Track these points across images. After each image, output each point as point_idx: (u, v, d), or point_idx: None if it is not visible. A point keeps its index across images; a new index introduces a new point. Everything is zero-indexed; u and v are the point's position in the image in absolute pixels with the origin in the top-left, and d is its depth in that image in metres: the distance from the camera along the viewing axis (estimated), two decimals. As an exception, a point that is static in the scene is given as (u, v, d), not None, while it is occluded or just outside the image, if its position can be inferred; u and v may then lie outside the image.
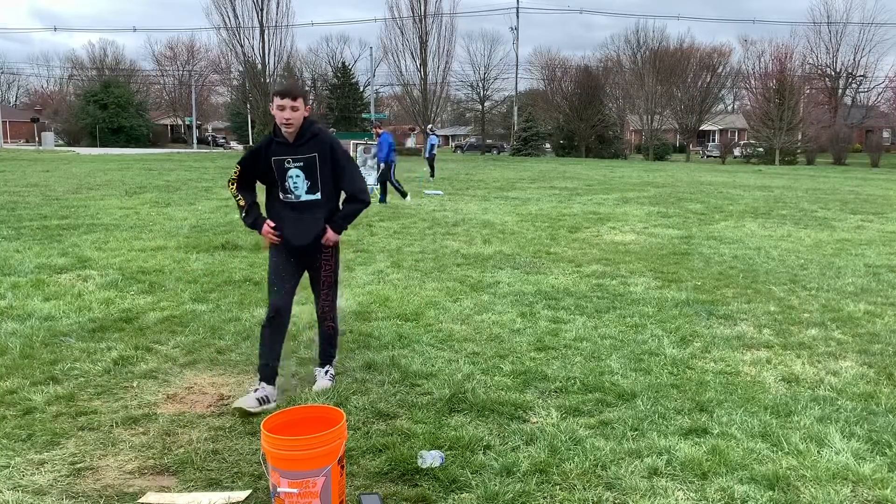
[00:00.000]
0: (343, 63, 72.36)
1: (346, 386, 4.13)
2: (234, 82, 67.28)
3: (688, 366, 4.56)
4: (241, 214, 3.97)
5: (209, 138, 75.38)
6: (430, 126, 29.41)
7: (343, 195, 4.02)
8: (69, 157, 37.65)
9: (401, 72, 58.44)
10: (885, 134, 57.52)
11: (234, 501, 2.88)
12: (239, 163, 3.96)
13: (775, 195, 18.52)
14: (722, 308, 6.06)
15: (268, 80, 56.61)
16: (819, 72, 58.99)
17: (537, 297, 6.35)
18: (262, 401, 3.79)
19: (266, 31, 54.54)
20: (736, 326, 5.51)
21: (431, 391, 4.06)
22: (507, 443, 3.42)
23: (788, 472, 3.13)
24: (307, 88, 73.47)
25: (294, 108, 3.77)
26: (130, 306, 5.87)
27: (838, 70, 58.77)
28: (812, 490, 2.97)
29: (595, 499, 2.91)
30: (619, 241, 9.95)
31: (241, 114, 69.17)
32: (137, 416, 3.71)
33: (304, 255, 3.98)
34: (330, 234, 3.94)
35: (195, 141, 67.38)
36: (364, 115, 58.22)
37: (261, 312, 5.74)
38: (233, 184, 3.97)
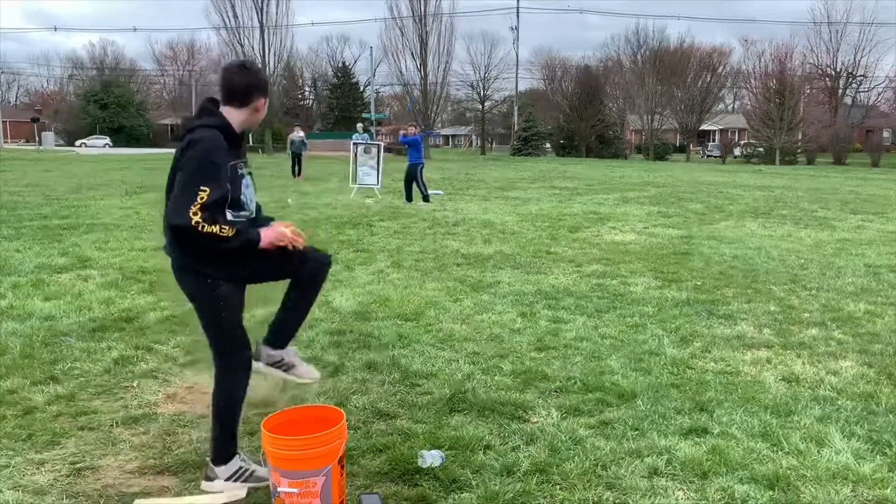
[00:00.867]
0: (343, 63, 72.47)
1: (347, 386, 4.13)
2: (235, 82, 67.11)
3: (688, 366, 4.56)
4: (231, 244, 2.78)
5: (209, 138, 75.20)
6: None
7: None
8: (69, 156, 37.64)
9: (401, 72, 58.41)
10: (886, 134, 57.52)
11: (233, 501, 2.88)
12: (206, 185, 2.68)
13: (775, 195, 18.52)
14: (722, 308, 6.06)
15: (268, 81, 56.51)
16: (819, 72, 58.98)
17: (537, 297, 6.35)
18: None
19: (266, 31, 54.50)
20: (736, 326, 5.51)
21: (431, 391, 4.06)
22: (507, 443, 3.42)
23: (788, 471, 3.13)
24: (307, 88, 73.51)
25: None
26: (131, 306, 5.87)
27: (838, 70, 58.79)
28: (812, 490, 2.97)
29: (595, 499, 2.91)
30: (619, 240, 9.95)
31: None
32: (138, 415, 3.71)
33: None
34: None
35: (195, 141, 67.29)
36: (364, 115, 58.19)
37: (260, 312, 5.74)
38: (203, 215, 2.67)
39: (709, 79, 60.61)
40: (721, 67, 61.41)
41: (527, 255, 8.62)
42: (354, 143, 17.59)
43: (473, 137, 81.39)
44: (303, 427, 2.86)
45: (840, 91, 59.51)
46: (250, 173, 3.03)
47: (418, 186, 14.79)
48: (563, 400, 3.96)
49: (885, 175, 32.62)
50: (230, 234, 2.74)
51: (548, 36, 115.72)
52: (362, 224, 11.00)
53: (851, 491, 2.99)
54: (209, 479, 2.97)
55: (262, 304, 6.04)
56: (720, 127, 68.05)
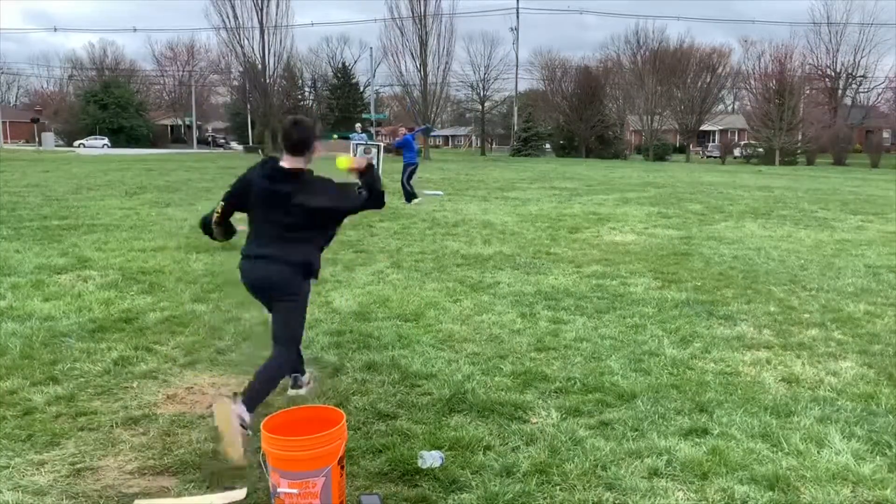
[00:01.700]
0: (343, 63, 72.40)
1: (347, 386, 4.13)
2: (234, 82, 67.22)
3: (688, 366, 4.56)
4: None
5: (209, 139, 75.40)
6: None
7: None
8: (69, 157, 37.65)
9: (401, 72, 58.42)
10: (886, 134, 57.48)
11: (233, 501, 2.88)
12: None
13: (775, 195, 18.52)
14: (722, 308, 6.06)
15: (268, 81, 56.59)
16: (819, 72, 58.96)
17: (537, 298, 6.35)
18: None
19: (266, 32, 54.50)
20: (736, 327, 5.51)
21: (431, 391, 4.06)
22: (507, 443, 3.42)
23: (788, 472, 3.13)
24: (307, 89, 73.50)
25: None
26: (130, 307, 5.87)
27: (838, 70, 58.77)
28: (812, 490, 2.97)
29: (595, 499, 2.91)
30: (619, 241, 9.95)
31: (241, 114, 69.13)
32: (137, 416, 3.71)
33: None
34: None
35: (195, 141, 67.37)
36: (364, 116, 58.19)
37: (260, 313, 5.74)
38: None
39: (708, 79, 60.57)
40: (721, 68, 61.38)
41: (527, 255, 8.62)
42: (355, 144, 17.60)
43: (473, 138, 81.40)
44: (303, 428, 2.86)
45: (840, 92, 59.48)
46: None
47: (402, 184, 14.85)
48: (562, 400, 3.96)
49: (885, 176, 32.62)
50: None
51: (547, 36, 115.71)
52: (362, 224, 10.99)
53: (851, 492, 2.99)
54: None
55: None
56: (720, 127, 68.05)
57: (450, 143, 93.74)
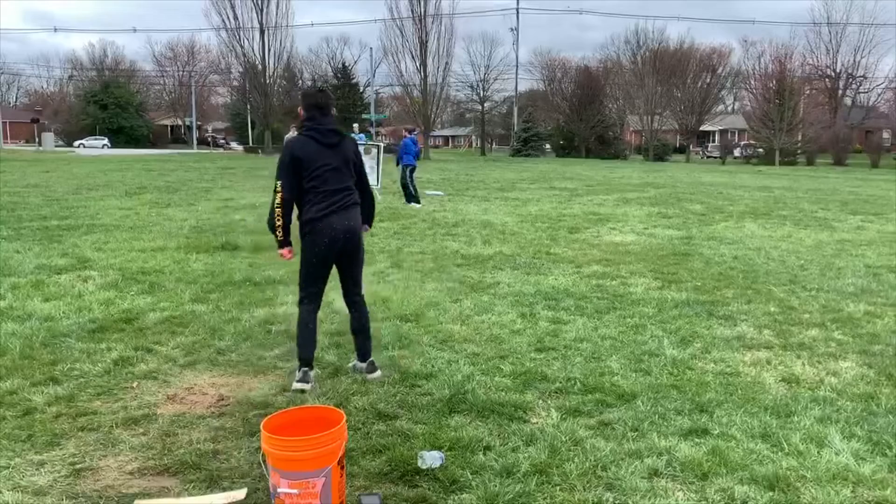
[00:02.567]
0: (343, 64, 72.38)
1: (347, 386, 4.13)
2: (234, 83, 67.19)
3: (688, 366, 4.56)
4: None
5: (209, 139, 75.41)
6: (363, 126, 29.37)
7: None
8: (69, 157, 37.65)
9: (401, 72, 58.41)
10: (886, 135, 57.47)
11: (233, 501, 2.88)
12: None
13: (775, 196, 18.52)
14: (722, 309, 6.06)
15: (268, 81, 56.58)
16: (819, 72, 58.96)
17: (537, 298, 6.35)
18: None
19: (266, 32, 54.49)
20: (736, 327, 5.51)
21: (431, 392, 4.06)
22: (507, 443, 3.41)
23: (788, 472, 3.12)
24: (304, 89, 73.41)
25: None
26: (130, 307, 5.87)
27: (838, 71, 58.76)
28: (812, 491, 2.97)
29: (595, 499, 2.91)
30: (619, 241, 9.95)
31: (241, 114, 69.15)
32: (137, 416, 3.71)
33: None
34: None
35: (195, 141, 67.37)
36: (364, 116, 58.15)
37: (260, 313, 5.75)
38: None
39: (708, 79, 60.61)
40: (721, 68, 61.45)
41: (526, 255, 8.62)
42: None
43: (473, 138, 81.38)
44: (303, 428, 2.86)
45: (840, 92, 59.48)
46: None
47: (406, 185, 14.88)
48: (562, 400, 3.96)
49: (885, 176, 32.62)
50: None
51: (547, 37, 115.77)
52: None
53: (851, 492, 2.99)
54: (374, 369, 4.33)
55: (262, 305, 6.06)
56: (720, 128, 68.06)
57: (450, 144, 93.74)
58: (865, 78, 59.31)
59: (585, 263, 8.11)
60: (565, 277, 7.31)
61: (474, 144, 79.78)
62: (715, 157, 57.23)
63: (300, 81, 70.25)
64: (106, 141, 61.81)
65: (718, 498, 2.93)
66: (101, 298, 6.10)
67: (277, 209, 4.05)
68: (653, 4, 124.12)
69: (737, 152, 56.11)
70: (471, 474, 3.08)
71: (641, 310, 5.98)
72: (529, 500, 2.90)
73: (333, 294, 6.33)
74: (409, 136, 15.95)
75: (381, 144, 18.51)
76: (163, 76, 76.18)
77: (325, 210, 4.06)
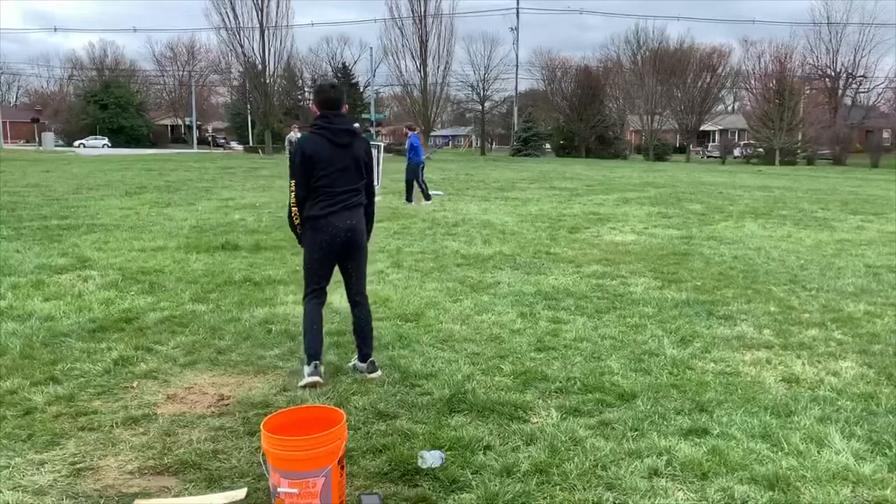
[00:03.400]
0: (343, 63, 72.42)
1: (347, 386, 4.13)
2: (234, 83, 67.23)
3: (688, 366, 4.56)
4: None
5: (209, 138, 75.42)
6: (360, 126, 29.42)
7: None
8: (69, 157, 37.65)
9: (401, 72, 58.42)
10: (886, 134, 57.48)
11: (233, 501, 2.88)
12: None
13: (775, 196, 18.53)
14: (722, 308, 6.06)
15: (268, 81, 56.59)
16: (819, 72, 58.96)
17: (537, 298, 6.35)
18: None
19: (266, 32, 54.49)
20: (736, 327, 5.51)
21: (431, 391, 4.06)
22: (507, 443, 3.42)
23: (788, 472, 3.13)
24: (306, 89, 73.43)
25: None
26: (130, 306, 5.87)
27: (838, 70, 58.77)
28: (812, 490, 2.97)
29: (595, 499, 2.91)
30: (619, 241, 9.95)
31: (241, 114, 69.12)
32: (137, 416, 3.71)
33: None
34: None
35: (195, 141, 67.38)
36: (364, 116, 58.16)
37: (260, 312, 5.74)
38: None
39: (709, 79, 60.58)
40: (721, 68, 61.41)
41: (527, 255, 8.62)
42: None
43: (473, 138, 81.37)
44: (303, 427, 2.86)
45: (840, 92, 59.48)
46: None
47: (419, 184, 15.01)
48: (562, 400, 3.96)
49: (885, 175, 32.62)
50: None
51: (547, 36, 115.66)
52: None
53: (851, 491, 2.99)
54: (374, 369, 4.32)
55: (261, 305, 6.06)
56: (720, 127, 68.06)
57: (450, 143, 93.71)
58: (865, 78, 59.35)
59: (585, 263, 8.11)
60: (565, 277, 7.31)
61: (474, 144, 79.77)
62: (715, 157, 57.23)
63: (300, 81, 70.29)
64: (106, 141, 61.84)
65: (718, 497, 2.93)
66: (101, 298, 6.10)
67: (294, 208, 4.12)
68: (653, 4, 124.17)
69: (737, 152, 56.11)
70: (471, 474, 3.09)
71: (641, 309, 5.98)
72: (529, 500, 2.90)
73: (333, 294, 6.34)
74: (413, 133, 15.98)
75: (381, 144, 18.50)
76: (163, 76, 76.21)
77: (327, 208, 4.06)
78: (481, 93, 67.67)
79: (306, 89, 73.26)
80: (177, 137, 76.22)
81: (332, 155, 4.06)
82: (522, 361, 4.61)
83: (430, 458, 3.14)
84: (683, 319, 5.68)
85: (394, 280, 7.06)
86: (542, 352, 4.82)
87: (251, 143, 60.25)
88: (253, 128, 64.65)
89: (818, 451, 3.33)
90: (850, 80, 59.42)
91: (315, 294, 4.23)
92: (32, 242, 8.95)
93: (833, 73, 58.96)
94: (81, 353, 4.66)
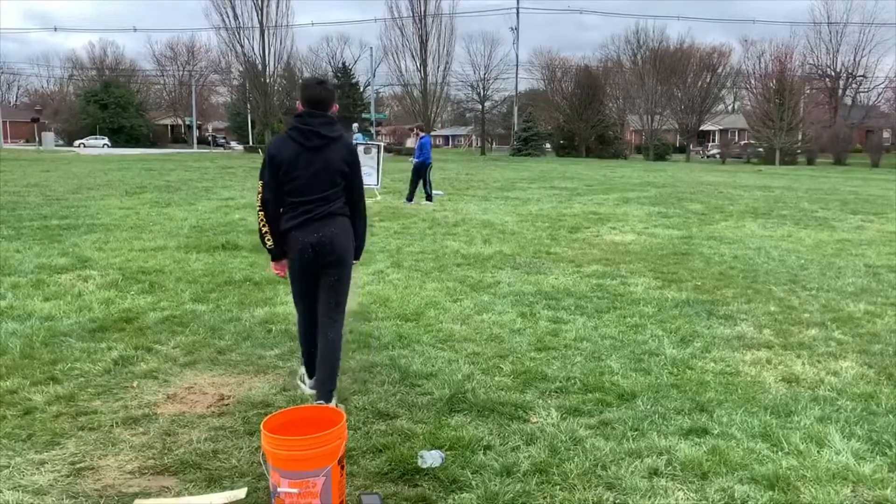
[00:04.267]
0: (343, 63, 72.45)
1: (347, 386, 4.13)
2: (234, 82, 67.29)
3: (688, 366, 4.56)
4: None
5: (209, 138, 75.43)
6: (354, 125, 29.54)
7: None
8: (69, 157, 37.65)
9: (401, 72, 58.47)
10: (886, 134, 57.47)
11: (233, 501, 2.89)
12: None
13: (775, 195, 18.52)
14: (722, 308, 6.06)
15: (268, 81, 56.62)
16: (819, 72, 58.97)
17: (537, 298, 6.35)
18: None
19: (266, 32, 54.54)
20: (736, 326, 5.51)
21: (431, 391, 4.06)
22: (507, 443, 3.42)
23: (788, 472, 3.13)
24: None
25: None
26: (131, 306, 5.87)
27: (838, 70, 58.78)
28: (812, 490, 2.97)
29: (595, 499, 2.91)
30: (619, 241, 9.95)
31: (241, 114, 69.16)
32: (138, 416, 3.71)
33: None
34: None
35: (195, 141, 67.40)
36: (364, 116, 58.23)
37: (260, 312, 5.75)
38: None
39: (709, 79, 60.62)
40: (721, 68, 61.46)
41: (527, 255, 8.62)
42: (354, 144, 17.60)
43: (473, 138, 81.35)
44: (303, 427, 2.86)
45: (840, 91, 59.49)
46: None
47: (423, 185, 15.02)
48: (563, 400, 3.96)
49: (885, 175, 32.62)
50: None
51: (547, 36, 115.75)
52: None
53: (851, 491, 2.99)
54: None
55: (261, 304, 6.06)
56: (720, 127, 68.07)
57: (450, 143, 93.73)
58: (865, 77, 59.36)
59: (585, 263, 8.11)
60: (565, 277, 7.31)
61: (474, 144, 79.76)
62: (715, 157, 57.23)
63: (300, 81, 70.28)
64: (106, 140, 61.85)
65: (718, 497, 2.93)
66: (101, 298, 6.10)
67: (260, 212, 3.72)
68: (653, 4, 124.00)
69: (737, 152, 56.11)
70: (471, 474, 3.09)
71: (641, 309, 5.98)
72: (529, 500, 2.90)
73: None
74: (426, 135, 16.00)
75: (382, 144, 18.50)
76: (163, 76, 76.23)
77: (291, 220, 3.67)
78: (481, 93, 67.69)
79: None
80: (177, 137, 76.21)
81: (297, 158, 3.61)
82: (522, 361, 4.61)
83: (430, 458, 3.14)
84: (683, 319, 5.68)
85: (394, 280, 7.06)
86: (542, 351, 4.82)
87: (251, 143, 60.27)
88: (253, 128, 64.68)
89: (818, 451, 3.33)
90: (851, 79, 59.46)
91: (302, 313, 3.91)
92: (32, 242, 8.95)
93: (833, 73, 58.98)
94: (81, 353, 4.66)
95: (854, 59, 58.14)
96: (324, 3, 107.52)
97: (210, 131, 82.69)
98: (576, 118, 57.61)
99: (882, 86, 60.02)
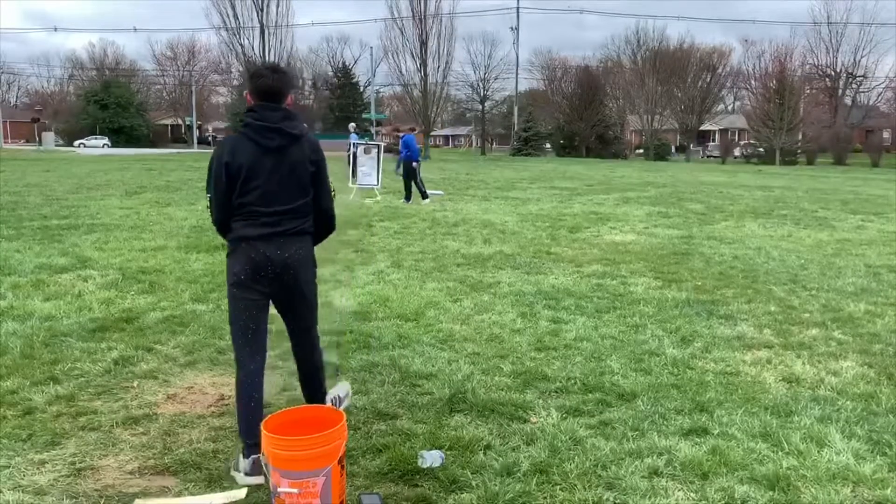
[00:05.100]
0: (343, 63, 72.43)
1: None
2: (234, 82, 67.29)
3: (688, 366, 4.56)
4: None
5: (209, 138, 75.41)
6: (351, 125, 29.59)
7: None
8: (69, 157, 37.65)
9: (401, 72, 58.49)
10: (886, 134, 57.49)
11: (233, 501, 2.88)
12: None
13: (776, 195, 18.52)
14: (722, 308, 6.06)
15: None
16: (819, 72, 58.97)
17: (537, 297, 6.35)
18: None
19: (266, 32, 54.59)
20: (736, 326, 5.51)
21: (432, 391, 4.06)
22: (507, 443, 3.42)
23: (789, 472, 3.12)
24: (307, 88, 73.36)
25: None
26: (131, 306, 5.87)
27: (838, 70, 58.77)
28: (812, 490, 2.97)
29: (595, 499, 2.91)
30: (619, 241, 9.95)
31: (241, 114, 69.06)
32: (138, 416, 3.71)
33: None
34: None
35: (195, 141, 67.39)
36: (364, 116, 58.20)
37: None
38: None
39: (709, 79, 60.65)
40: (721, 67, 61.46)
41: (527, 255, 8.62)
42: (353, 144, 17.62)
43: (473, 138, 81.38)
44: (302, 427, 2.85)
45: (840, 91, 59.49)
46: None
47: (416, 184, 15.01)
48: (563, 400, 3.96)
49: (886, 175, 32.62)
50: None
51: (547, 36, 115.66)
52: (362, 224, 11.00)
53: (851, 491, 2.99)
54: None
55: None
56: (720, 127, 68.06)
57: (450, 143, 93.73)
58: (865, 77, 59.36)
59: (586, 263, 8.11)
60: (565, 277, 7.31)
61: (474, 144, 79.77)
62: (715, 157, 57.23)
63: (301, 80, 70.28)
64: (106, 140, 61.84)
65: (718, 497, 2.93)
66: (101, 298, 6.10)
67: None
68: (653, 4, 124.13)
69: (737, 152, 56.12)
70: (471, 474, 3.09)
71: (642, 309, 5.98)
72: (530, 500, 2.90)
73: (333, 293, 6.36)
74: (410, 133, 16.06)
75: (382, 144, 18.50)
76: (163, 76, 76.23)
77: (253, 230, 3.04)
78: (481, 92, 67.71)
79: (307, 89, 73.33)
80: (177, 137, 76.20)
81: (257, 162, 3.00)
82: (522, 361, 4.61)
83: (431, 458, 3.14)
84: (684, 319, 5.68)
85: (394, 280, 7.06)
86: (542, 351, 4.82)
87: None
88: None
89: (818, 451, 3.33)
90: (851, 79, 59.45)
91: (245, 359, 3.15)
92: (32, 242, 8.95)
93: (833, 73, 58.99)
94: (82, 353, 4.66)
95: (854, 59, 58.20)
96: (324, 3, 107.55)
97: (210, 131, 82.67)
98: (576, 118, 57.60)
99: (882, 86, 60.10)
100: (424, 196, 15.02)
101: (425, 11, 55.97)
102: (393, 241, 9.54)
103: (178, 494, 2.95)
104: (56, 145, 58.91)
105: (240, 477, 3.02)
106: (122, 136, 64.54)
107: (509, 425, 3.61)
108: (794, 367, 4.56)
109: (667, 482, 3.05)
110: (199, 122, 73.37)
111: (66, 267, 7.42)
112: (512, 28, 61.05)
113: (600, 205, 15.10)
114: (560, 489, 2.98)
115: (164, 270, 7.32)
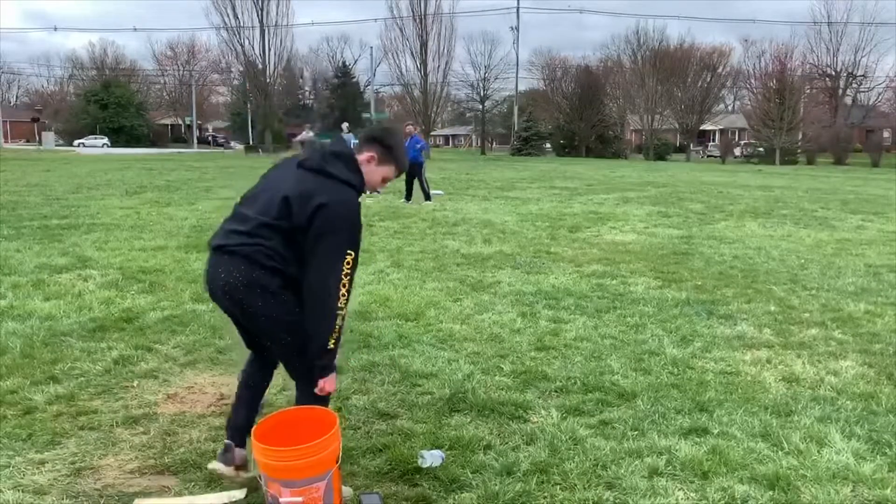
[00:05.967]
0: (343, 63, 72.50)
1: (347, 386, 4.13)
2: (235, 82, 67.35)
3: (688, 366, 4.56)
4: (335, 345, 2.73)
5: (209, 138, 75.43)
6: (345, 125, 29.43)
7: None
8: (69, 156, 37.64)
9: (401, 72, 58.50)
10: (886, 134, 57.47)
11: (233, 501, 2.88)
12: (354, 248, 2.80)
13: (776, 195, 18.52)
14: (722, 308, 6.06)
15: (268, 80, 56.60)
16: (819, 72, 58.96)
17: (537, 297, 6.35)
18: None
19: (266, 31, 54.56)
20: (736, 326, 5.51)
21: (432, 391, 4.06)
22: (507, 442, 3.42)
23: (789, 471, 3.13)
24: (307, 88, 73.33)
25: None
26: (131, 306, 5.87)
27: (838, 70, 58.76)
28: (812, 490, 2.97)
29: (595, 499, 2.91)
30: (619, 240, 9.95)
31: (242, 114, 69.15)
32: (138, 415, 3.71)
33: None
34: None
35: (195, 141, 67.39)
36: (364, 115, 58.21)
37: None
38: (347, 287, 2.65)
39: (709, 79, 60.60)
40: (721, 67, 61.43)
41: (527, 254, 8.62)
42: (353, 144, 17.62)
43: (473, 137, 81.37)
44: (292, 429, 2.78)
45: (840, 91, 59.48)
46: None
47: (420, 184, 14.98)
48: (563, 400, 3.96)
49: (886, 175, 32.61)
50: None
51: (547, 36, 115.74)
52: (362, 224, 10.99)
53: (851, 491, 2.99)
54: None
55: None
56: (720, 127, 68.05)
57: (450, 143, 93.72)
58: (866, 77, 59.36)
59: (586, 262, 8.11)
60: (565, 276, 7.31)
61: (474, 144, 79.75)
62: (715, 157, 57.22)
63: (300, 80, 70.32)
64: (106, 140, 61.86)
65: (718, 497, 2.93)
66: (101, 297, 6.10)
67: (343, 297, 2.68)
68: (653, 4, 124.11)
69: (737, 151, 56.11)
70: (471, 473, 3.09)
71: (642, 309, 5.98)
72: (530, 499, 2.90)
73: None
74: (416, 133, 15.94)
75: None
76: (163, 75, 76.24)
77: (212, 239, 2.87)
78: (481, 92, 67.67)
79: (307, 89, 73.35)
80: (177, 137, 76.20)
81: (273, 169, 2.99)
82: (522, 361, 4.61)
83: (431, 458, 3.14)
84: (684, 319, 5.68)
85: (394, 280, 7.06)
86: (542, 351, 4.82)
87: (252, 143, 60.27)
88: (253, 128, 64.68)
89: (818, 451, 3.33)
90: (851, 79, 59.44)
91: (246, 357, 3.17)
92: (32, 242, 8.95)
93: (833, 73, 58.97)
94: (82, 353, 4.66)
95: (854, 59, 58.19)
96: (324, 3, 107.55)
97: (210, 131, 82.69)
98: (576, 118, 57.59)
99: (882, 86, 60.09)
100: (427, 198, 15.00)
101: (425, 11, 56.01)
102: (393, 241, 9.54)
103: (178, 494, 2.95)
104: (56, 145, 58.93)
105: (212, 463, 3.01)
106: (122, 135, 64.55)
107: (509, 425, 3.61)
108: (793, 367, 4.56)
109: (667, 482, 3.05)
110: (199, 122, 73.38)
111: (66, 267, 7.42)
112: (512, 28, 61.08)
113: (600, 205, 15.10)
114: (560, 489, 2.98)
115: (164, 270, 7.32)
